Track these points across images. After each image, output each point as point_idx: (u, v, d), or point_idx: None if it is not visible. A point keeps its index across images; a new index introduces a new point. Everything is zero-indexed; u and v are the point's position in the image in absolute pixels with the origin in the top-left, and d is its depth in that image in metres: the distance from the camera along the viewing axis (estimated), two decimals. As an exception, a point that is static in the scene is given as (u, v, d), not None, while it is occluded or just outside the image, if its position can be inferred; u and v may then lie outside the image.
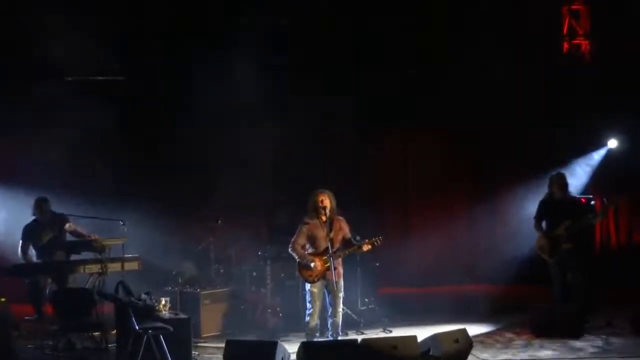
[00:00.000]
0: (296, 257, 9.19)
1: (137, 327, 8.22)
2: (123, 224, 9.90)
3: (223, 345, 8.34)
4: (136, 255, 10.04)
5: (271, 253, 10.72)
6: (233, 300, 10.71)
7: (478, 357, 8.87)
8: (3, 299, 9.40)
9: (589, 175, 12.76)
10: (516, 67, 12.48)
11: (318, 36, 12.71)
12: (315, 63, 12.79)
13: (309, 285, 9.12)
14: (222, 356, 8.26)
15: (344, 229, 9.22)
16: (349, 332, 10.05)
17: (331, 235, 9.07)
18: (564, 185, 10.33)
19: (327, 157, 12.78)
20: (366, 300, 11.04)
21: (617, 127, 12.46)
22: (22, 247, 9.95)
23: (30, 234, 9.97)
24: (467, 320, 10.02)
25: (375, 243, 9.10)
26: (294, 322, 10.21)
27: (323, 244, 9.09)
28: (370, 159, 13.74)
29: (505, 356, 9.02)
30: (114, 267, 9.75)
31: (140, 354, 8.17)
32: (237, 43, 12.07)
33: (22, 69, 12.12)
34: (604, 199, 10.62)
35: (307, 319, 9.17)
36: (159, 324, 8.42)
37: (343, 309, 9.37)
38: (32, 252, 9.98)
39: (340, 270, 9.15)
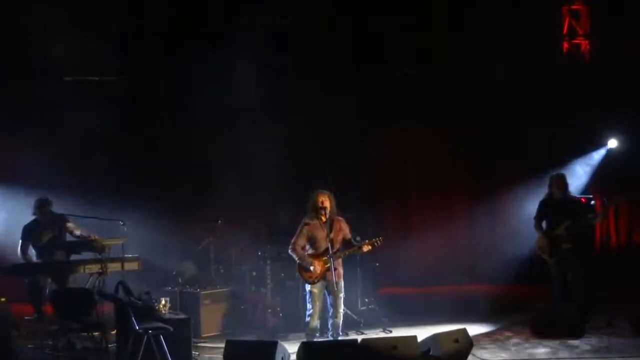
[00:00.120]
0: (296, 258, 9.18)
1: (137, 327, 8.22)
2: (123, 224, 9.90)
3: (223, 345, 8.34)
4: (136, 255, 10.04)
5: (271, 253, 10.71)
6: (233, 300, 10.71)
7: (478, 357, 8.87)
8: (3, 299, 9.39)
9: (589, 175, 12.76)
10: (516, 67, 12.49)
11: (318, 36, 12.71)
12: (315, 63, 12.79)
13: (309, 285, 9.11)
14: (222, 356, 8.26)
15: (344, 230, 9.21)
16: (349, 332, 10.05)
17: (331, 235, 9.06)
18: (564, 185, 10.33)
19: (327, 157, 12.78)
20: (366, 300, 11.05)
21: (617, 127, 12.46)
22: (21, 246, 9.95)
23: (30, 233, 9.98)
24: (467, 320, 10.02)
25: (376, 244, 9.09)
26: (294, 322, 10.21)
27: (323, 244, 9.08)
28: (370, 159, 13.73)
29: (505, 356, 9.03)
30: (114, 267, 9.75)
31: (140, 354, 8.17)
32: (237, 43, 12.06)
33: (22, 69, 12.12)
34: (604, 199, 10.62)
35: (308, 319, 9.17)
36: (159, 324, 8.42)
37: (343, 310, 9.36)
38: (32, 252, 9.99)
39: (341, 270, 9.15)
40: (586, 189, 12.48)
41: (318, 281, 9.07)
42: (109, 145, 12.27)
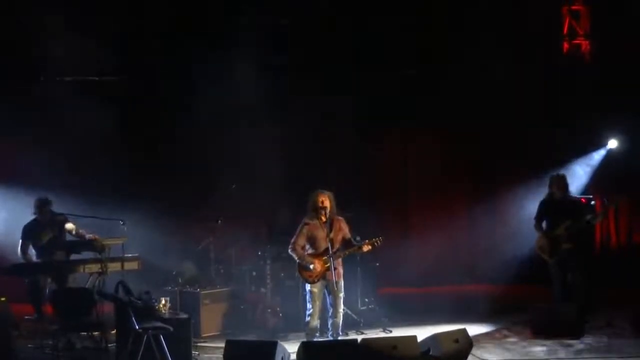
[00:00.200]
0: (296, 258, 9.19)
1: (137, 327, 8.22)
2: (123, 224, 9.89)
3: (223, 345, 8.34)
4: (136, 255, 10.04)
5: (271, 253, 10.71)
6: (233, 300, 10.71)
7: (478, 357, 8.87)
8: (3, 299, 9.39)
9: (589, 175, 12.76)
10: (516, 67, 12.49)
11: (318, 36, 12.71)
12: (315, 63, 12.78)
13: (309, 285, 9.12)
14: (222, 356, 8.26)
15: (344, 230, 9.21)
16: (349, 332, 10.04)
17: (331, 235, 9.07)
18: (564, 185, 10.34)
19: (327, 157, 12.77)
20: (366, 300, 11.04)
21: (617, 127, 12.46)
22: (21, 246, 9.95)
23: (29, 233, 9.97)
24: (467, 320, 10.01)
25: (376, 243, 9.10)
26: (294, 322, 10.21)
27: (323, 244, 9.08)
28: (370, 159, 13.73)
29: (505, 356, 9.02)
30: (114, 266, 9.75)
31: (140, 353, 8.18)
32: (237, 43, 12.06)
33: (22, 69, 12.12)
34: (604, 199, 10.62)
35: (307, 319, 9.17)
36: (159, 324, 8.42)
37: (343, 309, 9.37)
38: (31, 251, 9.98)
39: (340, 270, 9.15)
40: (586, 189, 12.48)
41: (318, 280, 9.07)
42: (109, 145, 12.26)
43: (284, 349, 8.40)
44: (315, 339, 9.11)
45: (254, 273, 10.87)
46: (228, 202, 11.74)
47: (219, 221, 10.95)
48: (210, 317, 10.42)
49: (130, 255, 9.92)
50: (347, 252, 9.19)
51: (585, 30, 13.29)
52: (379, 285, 11.66)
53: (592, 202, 11.68)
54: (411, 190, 14.01)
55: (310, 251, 9.16)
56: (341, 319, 9.21)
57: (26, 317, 9.98)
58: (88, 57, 11.92)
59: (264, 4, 12.51)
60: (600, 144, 12.75)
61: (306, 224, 9.15)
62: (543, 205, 10.44)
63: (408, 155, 14.03)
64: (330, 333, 9.18)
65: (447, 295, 12.48)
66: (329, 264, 8.97)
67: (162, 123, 12.63)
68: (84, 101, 11.52)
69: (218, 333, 10.38)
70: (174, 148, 12.57)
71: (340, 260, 9.14)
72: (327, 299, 9.14)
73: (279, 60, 12.72)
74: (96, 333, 9.37)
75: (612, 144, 12.63)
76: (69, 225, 10.03)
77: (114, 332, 9.06)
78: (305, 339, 9.03)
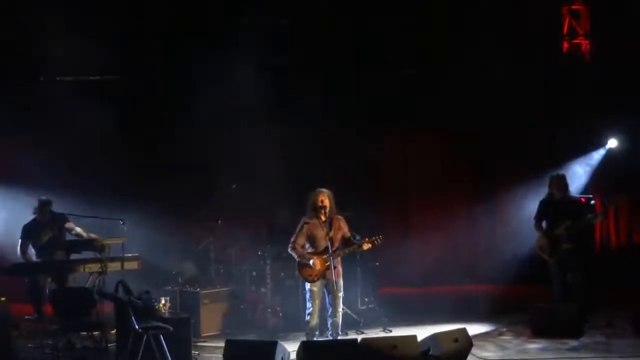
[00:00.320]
0: (296, 257, 9.20)
1: (137, 327, 8.22)
2: (123, 224, 9.90)
3: (223, 345, 8.34)
4: (136, 254, 10.04)
5: (271, 253, 10.72)
6: (233, 300, 10.72)
7: (478, 357, 8.86)
8: (3, 299, 9.40)
9: (589, 175, 12.75)
10: (516, 67, 12.47)
11: (318, 36, 12.71)
12: (315, 63, 12.79)
13: (309, 284, 9.12)
14: (222, 356, 8.26)
15: (343, 228, 9.22)
16: (349, 332, 10.04)
17: (330, 234, 9.07)
18: (564, 185, 10.33)
19: (327, 157, 12.76)
20: (366, 300, 11.04)
21: (617, 127, 12.44)
22: (21, 246, 9.95)
23: (29, 233, 9.98)
24: (467, 320, 10.00)
25: (376, 242, 9.10)
26: (294, 322, 10.21)
27: (322, 243, 9.09)
28: (370, 159, 13.73)
29: (504, 356, 9.03)
30: (114, 266, 9.75)
31: (140, 353, 8.18)
32: (237, 43, 12.06)
33: (22, 69, 12.12)
34: (604, 199, 10.63)
35: (307, 318, 9.18)
36: (159, 324, 8.42)
37: (343, 309, 9.37)
38: (31, 251, 9.99)
39: (340, 269, 9.15)
40: (586, 189, 12.47)
41: (318, 279, 9.08)
42: (109, 145, 12.26)
43: (284, 349, 8.40)
44: (315, 339, 9.11)
45: (254, 273, 10.87)
46: (228, 202, 11.74)
47: (219, 221, 10.96)
48: (210, 317, 10.43)
49: (130, 255, 9.93)
50: (347, 251, 9.20)
51: (585, 30, 13.28)
52: (379, 285, 11.66)
53: (592, 202, 11.68)
54: (411, 190, 14.00)
55: (310, 250, 9.17)
56: (341, 318, 9.21)
57: (26, 317, 9.99)
58: (88, 57, 11.90)
59: (264, 4, 12.51)
60: (600, 144, 12.73)
61: (306, 223, 9.16)
62: (543, 205, 10.44)
63: (408, 155, 14.02)
64: (329, 333, 9.19)
65: (447, 295, 12.47)
66: (328, 263, 8.98)
67: (162, 123, 12.63)
68: (84, 101, 11.52)
69: (218, 333, 10.38)
70: (174, 148, 12.57)
71: (339, 259, 9.14)
72: (327, 299, 9.14)
73: (279, 60, 12.72)
74: (96, 333, 9.38)
75: (612, 144, 12.62)
76: (69, 225, 10.03)
77: (114, 332, 9.06)
78: (305, 339, 9.03)
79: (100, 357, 9.12)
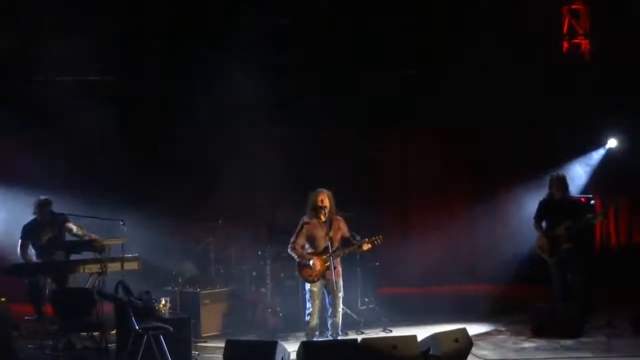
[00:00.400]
0: (295, 257, 9.20)
1: (137, 327, 8.22)
2: (123, 224, 9.90)
3: (223, 345, 8.34)
4: (136, 255, 10.04)
5: (271, 253, 10.72)
6: (233, 300, 10.72)
7: (478, 357, 8.87)
8: (3, 299, 9.39)
9: (589, 175, 12.76)
10: (516, 67, 12.48)
11: (318, 36, 12.71)
12: (315, 63, 12.78)
13: (309, 284, 9.12)
14: (222, 356, 8.26)
15: (343, 229, 9.22)
16: (349, 332, 10.04)
17: (330, 234, 9.07)
18: (564, 185, 10.33)
19: (327, 157, 12.76)
20: (366, 300, 11.05)
21: (617, 127, 12.45)
22: (21, 246, 9.95)
23: (29, 233, 9.98)
24: (467, 320, 10.01)
25: (376, 242, 9.11)
26: (294, 322, 10.21)
27: (322, 243, 9.09)
28: (370, 159, 13.73)
29: (504, 356, 9.03)
30: (114, 267, 9.75)
31: (140, 353, 8.18)
32: (237, 43, 12.06)
33: (22, 69, 12.11)
34: (604, 199, 10.62)
35: (307, 318, 9.18)
36: (159, 324, 8.42)
37: (343, 309, 9.37)
38: (31, 251, 9.99)
39: (340, 269, 9.15)
40: (586, 189, 12.47)
41: (318, 280, 9.08)
42: (109, 145, 12.25)
43: (284, 349, 8.40)
44: (315, 339, 9.11)
45: (254, 273, 10.87)
46: (228, 202, 11.75)
47: (219, 221, 10.96)
48: (210, 317, 10.42)
49: (130, 255, 9.93)
50: (347, 251, 9.20)
51: (585, 30, 13.28)
52: (379, 285, 11.66)
53: (592, 202, 11.68)
54: (411, 190, 14.00)
55: (309, 250, 9.17)
56: (340, 318, 9.21)
57: (26, 317, 9.98)
58: (88, 57, 11.91)
59: (264, 4, 12.51)
60: (600, 144, 12.74)
61: (306, 223, 9.17)
62: (543, 205, 10.44)
63: (408, 155, 14.02)
64: (329, 333, 9.19)
65: (447, 295, 12.47)
66: (328, 263, 8.98)
67: (162, 123, 12.62)
68: (84, 101, 11.52)
69: (218, 333, 10.38)
70: (174, 148, 12.56)
71: (339, 259, 9.14)
72: (327, 299, 9.14)
73: (279, 60, 12.71)
74: (96, 333, 9.37)
75: (612, 144, 12.62)
76: (69, 225, 10.03)
77: (114, 332, 9.06)
78: (305, 339, 9.03)
79: (100, 358, 9.11)
